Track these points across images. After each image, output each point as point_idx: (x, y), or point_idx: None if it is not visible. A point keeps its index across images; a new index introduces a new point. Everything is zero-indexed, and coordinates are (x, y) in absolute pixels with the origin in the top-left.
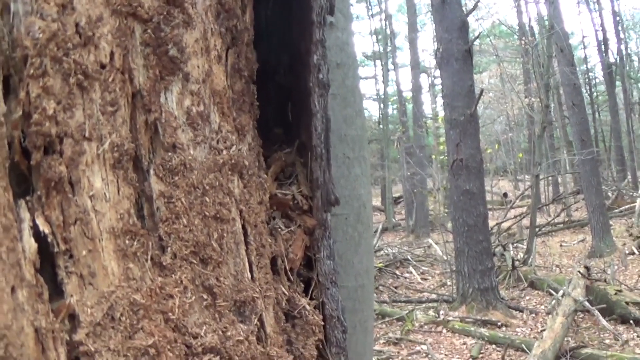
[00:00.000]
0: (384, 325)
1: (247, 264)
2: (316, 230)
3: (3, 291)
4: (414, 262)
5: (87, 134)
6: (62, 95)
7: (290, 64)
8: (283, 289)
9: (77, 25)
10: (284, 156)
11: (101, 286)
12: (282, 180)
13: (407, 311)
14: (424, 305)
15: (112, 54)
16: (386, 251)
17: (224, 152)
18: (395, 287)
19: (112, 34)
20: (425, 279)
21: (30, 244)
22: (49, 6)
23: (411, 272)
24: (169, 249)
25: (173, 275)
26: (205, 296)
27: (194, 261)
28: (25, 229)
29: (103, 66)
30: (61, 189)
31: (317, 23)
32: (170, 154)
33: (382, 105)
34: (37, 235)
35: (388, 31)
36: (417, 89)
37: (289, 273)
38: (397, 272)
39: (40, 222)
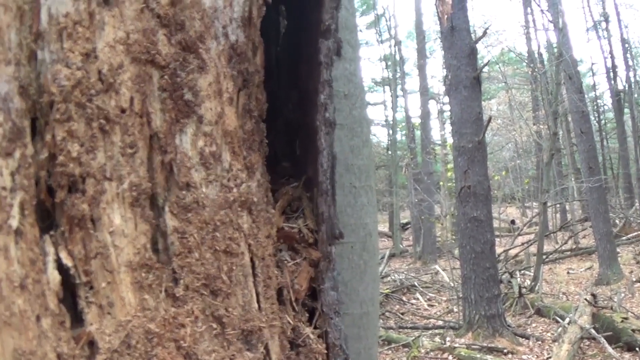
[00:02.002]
0: (390, 352)
1: (254, 295)
2: (321, 262)
3: (29, 319)
4: (421, 289)
5: (108, 175)
6: (86, 138)
7: (299, 101)
8: (288, 319)
9: (99, 72)
10: (291, 190)
11: (119, 315)
12: (289, 213)
13: (414, 337)
14: (430, 331)
15: (131, 99)
16: (393, 277)
17: (234, 189)
18: (402, 313)
19: (132, 80)
20: (432, 306)
21: (54, 276)
22: (73, 55)
23: (418, 299)
24: (182, 281)
25: (185, 306)
26: (214, 325)
27: (205, 293)
28: (50, 262)
29: (123, 110)
30: (84, 226)
31: (325, 64)
32: (184, 192)
33: (390, 131)
34: (60, 267)
35: (397, 57)
36: (425, 116)
37: (294, 303)
38: (404, 298)
39: (63, 255)
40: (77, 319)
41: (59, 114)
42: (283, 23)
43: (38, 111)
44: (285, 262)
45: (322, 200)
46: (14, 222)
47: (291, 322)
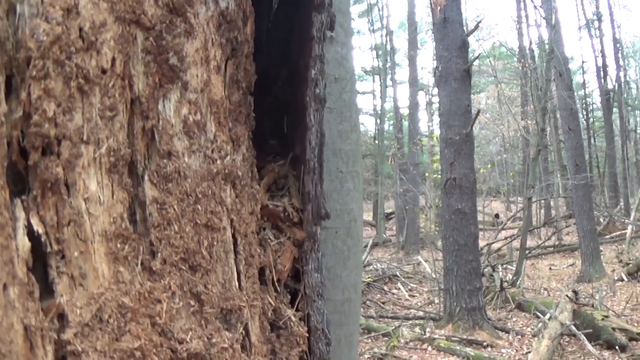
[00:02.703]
0: (369, 340)
1: (235, 273)
2: (305, 242)
3: None
4: (403, 279)
5: (85, 138)
6: (63, 98)
7: (289, 77)
8: (269, 299)
9: (80, 29)
10: (277, 168)
11: (91, 287)
12: (274, 191)
13: (394, 327)
14: (410, 322)
15: (113, 59)
16: (375, 266)
17: (218, 161)
18: (383, 303)
19: (115, 40)
20: (413, 296)
21: (24, 243)
22: (54, 10)
23: (399, 289)
24: (159, 254)
25: (162, 281)
26: (192, 302)
27: (183, 268)
28: (20, 228)
29: (104, 71)
30: (57, 190)
31: (317, 38)
32: (165, 160)
33: (378, 121)
34: (31, 234)
35: (388, 47)
36: (414, 106)
37: (276, 284)
38: (386, 287)
39: (34, 221)
40: (47, 290)
41: (35, 71)
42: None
43: (14, 68)
44: (269, 240)
45: (309, 179)
46: None
47: (272, 303)
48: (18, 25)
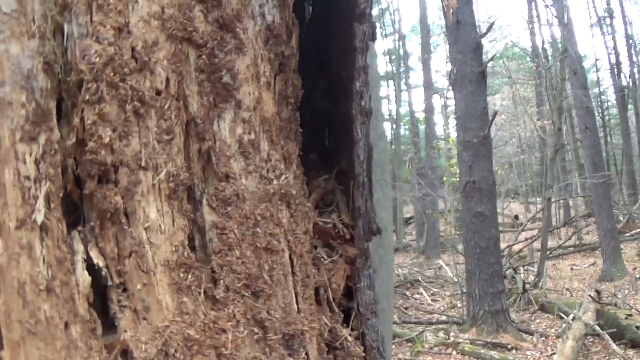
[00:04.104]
0: (394, 347)
1: (294, 296)
2: (357, 259)
3: (57, 327)
4: (425, 284)
5: (143, 163)
6: (118, 122)
7: (328, 89)
8: (325, 320)
9: (133, 49)
10: (324, 183)
11: (155, 321)
12: (322, 208)
13: (417, 332)
14: (434, 326)
15: (167, 80)
16: (397, 272)
17: (275, 181)
18: (406, 308)
19: (168, 59)
20: (436, 301)
21: (84, 278)
22: (105, 29)
23: (421, 294)
24: (222, 281)
25: (226, 309)
26: (256, 330)
27: (246, 294)
28: (79, 262)
29: (159, 92)
30: (116, 220)
31: (360, 49)
32: (223, 183)
33: (394, 126)
34: (91, 268)
35: (401, 52)
36: (429, 110)
37: (332, 303)
38: (408, 293)
39: (94, 254)
40: (109, 325)
41: (89, 95)
42: (308, 9)
43: (64, 91)
44: (322, 259)
45: (359, 194)
46: (39, 217)
47: (328, 323)
48: (67, 47)
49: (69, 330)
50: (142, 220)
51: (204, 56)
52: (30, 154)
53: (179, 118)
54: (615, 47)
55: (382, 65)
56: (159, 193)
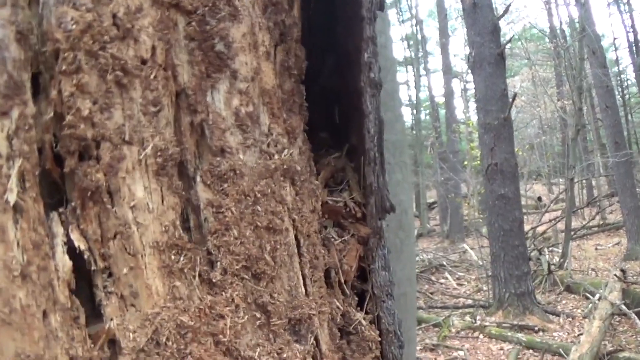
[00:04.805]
0: (420, 332)
1: (300, 278)
2: (370, 239)
3: (34, 316)
4: (450, 268)
5: (127, 137)
6: (99, 93)
7: (337, 64)
8: (337, 303)
9: (114, 16)
10: (334, 161)
11: (144, 307)
12: (333, 186)
13: (444, 317)
14: (460, 310)
15: (153, 48)
16: (421, 257)
17: (276, 156)
18: (431, 293)
19: (154, 27)
20: (461, 285)
21: (64, 262)
22: None
23: (447, 278)
24: (219, 263)
25: (223, 293)
26: (258, 315)
27: (246, 277)
28: (59, 245)
29: (144, 62)
30: (99, 200)
31: (367, 19)
32: (218, 158)
33: (414, 111)
34: (72, 251)
35: (419, 37)
36: (449, 94)
37: (344, 286)
38: (433, 277)
39: (75, 236)
40: (95, 313)
41: (65, 65)
42: None
43: (41, 64)
44: (332, 239)
45: (370, 170)
46: (12, 197)
47: (340, 307)
48: (42, 15)
49: (48, 319)
50: (128, 199)
51: (193, 23)
52: (2, 130)
53: (167, 89)
54: (633, 25)
55: (401, 50)
56: (146, 169)
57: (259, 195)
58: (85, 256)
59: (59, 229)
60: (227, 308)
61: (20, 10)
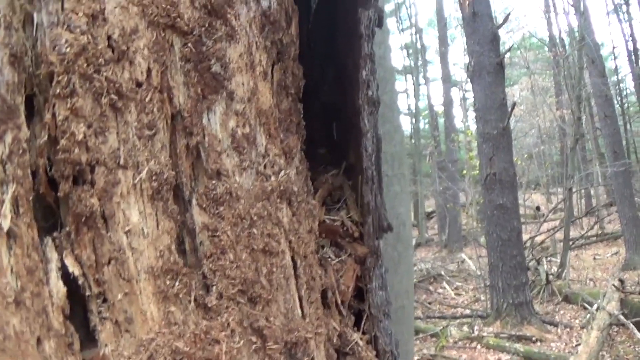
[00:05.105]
0: (418, 342)
1: (297, 300)
2: (368, 258)
3: (28, 343)
4: (448, 278)
5: (121, 162)
6: (94, 117)
7: (336, 80)
8: (334, 324)
9: (109, 38)
10: (331, 179)
11: (139, 333)
12: (330, 204)
13: (441, 327)
14: (458, 320)
15: (149, 70)
16: (419, 266)
17: (272, 177)
18: (429, 303)
19: (149, 48)
20: (459, 294)
21: (58, 288)
22: (77, 17)
23: (445, 288)
24: (214, 288)
25: (219, 318)
26: (254, 339)
27: (242, 301)
28: (53, 271)
29: (139, 84)
30: (93, 225)
31: (366, 36)
32: (214, 181)
33: (413, 120)
34: (66, 277)
35: (419, 45)
36: (448, 103)
37: (340, 306)
38: (431, 287)
39: (69, 262)
40: (89, 338)
41: (60, 88)
42: None
43: (36, 86)
44: (329, 259)
45: (368, 189)
46: (5, 223)
47: (337, 328)
48: (37, 37)
49: (42, 345)
50: (122, 224)
51: (189, 44)
52: None
53: (162, 111)
54: (632, 34)
55: (400, 59)
56: (141, 193)
57: (255, 218)
58: (80, 282)
59: (53, 254)
60: (223, 333)
61: (14, 32)
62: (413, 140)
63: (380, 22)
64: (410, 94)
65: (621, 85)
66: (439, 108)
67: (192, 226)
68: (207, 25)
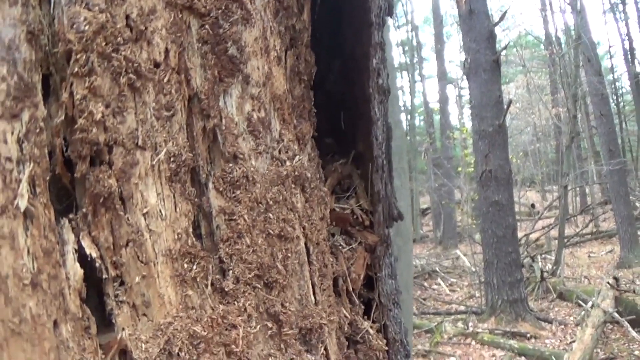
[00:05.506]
0: (412, 338)
1: (310, 287)
2: (378, 247)
3: (44, 326)
4: (442, 274)
5: (140, 142)
6: (112, 97)
7: (343, 70)
8: (345, 312)
9: (127, 17)
10: (340, 167)
11: (157, 317)
12: (339, 193)
13: (436, 323)
14: (452, 317)
15: (166, 51)
16: (414, 263)
17: (287, 162)
18: (424, 299)
19: (167, 29)
20: (454, 291)
21: (75, 270)
22: None
23: (439, 284)
24: (231, 272)
25: (236, 302)
26: (270, 324)
27: (258, 285)
28: (70, 253)
29: (157, 65)
30: (111, 206)
31: (376, 24)
32: (231, 165)
33: (409, 117)
34: (83, 259)
35: (414, 42)
36: (444, 100)
37: (351, 294)
38: (426, 283)
39: (86, 244)
40: (106, 322)
41: (78, 67)
42: None
43: (52, 65)
44: (340, 247)
45: (378, 177)
46: (22, 202)
47: (348, 315)
48: (54, 15)
49: (59, 329)
50: (140, 206)
51: (207, 26)
52: (12, 133)
53: (180, 93)
54: (628, 33)
55: (396, 56)
56: (159, 175)
57: (270, 202)
58: (97, 264)
59: (70, 236)
60: (240, 318)
61: (31, 9)
62: (408, 137)
63: (390, 10)
64: (406, 90)
65: (617, 84)
66: (435, 105)
67: (209, 209)
68: (223, 7)
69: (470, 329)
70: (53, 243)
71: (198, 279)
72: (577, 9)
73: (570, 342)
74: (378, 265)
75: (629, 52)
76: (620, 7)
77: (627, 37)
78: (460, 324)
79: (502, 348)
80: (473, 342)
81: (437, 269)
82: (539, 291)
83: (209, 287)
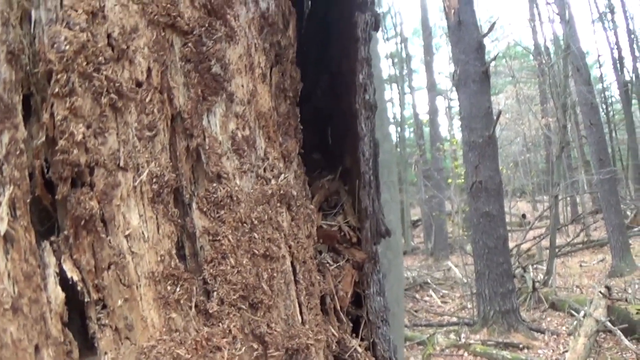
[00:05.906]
0: (404, 350)
1: (297, 306)
2: (366, 264)
3: (25, 351)
4: (434, 286)
5: (121, 163)
6: (93, 117)
7: (330, 85)
8: (333, 330)
9: (109, 36)
10: (327, 184)
11: (140, 340)
12: (327, 210)
13: (428, 335)
14: (444, 328)
15: (149, 70)
16: (406, 275)
17: (272, 181)
18: (416, 311)
19: (149, 48)
20: (446, 302)
21: (56, 294)
22: (76, 14)
23: (431, 296)
24: (215, 293)
25: (220, 324)
26: (255, 346)
27: (243, 306)
28: (51, 276)
29: (139, 84)
30: (92, 228)
31: (362, 40)
32: (214, 184)
33: (398, 129)
34: (65, 282)
35: (404, 54)
36: (433, 112)
37: (339, 312)
38: (417, 295)
39: (68, 267)
40: (88, 346)
41: (58, 87)
42: (307, 3)
43: (33, 85)
44: (327, 265)
45: (365, 193)
46: (2, 226)
47: (336, 334)
48: (35, 35)
49: (40, 354)
50: (122, 228)
51: (190, 44)
52: None
53: (162, 112)
54: (617, 43)
55: (385, 68)
56: (141, 196)
57: (255, 222)
58: (79, 287)
59: (51, 259)
60: (224, 340)
61: (12, 28)
62: (398, 149)
63: (377, 25)
64: (396, 102)
65: (606, 93)
66: (424, 117)
67: (192, 230)
68: (207, 25)
69: (463, 340)
70: (34, 266)
71: (182, 301)
72: (565, 19)
73: (563, 352)
74: (366, 283)
75: (617, 61)
76: (609, 16)
77: (615, 46)
78: (452, 336)
79: (495, 359)
80: (465, 354)
81: (429, 281)
82: (531, 301)
83: (193, 309)
